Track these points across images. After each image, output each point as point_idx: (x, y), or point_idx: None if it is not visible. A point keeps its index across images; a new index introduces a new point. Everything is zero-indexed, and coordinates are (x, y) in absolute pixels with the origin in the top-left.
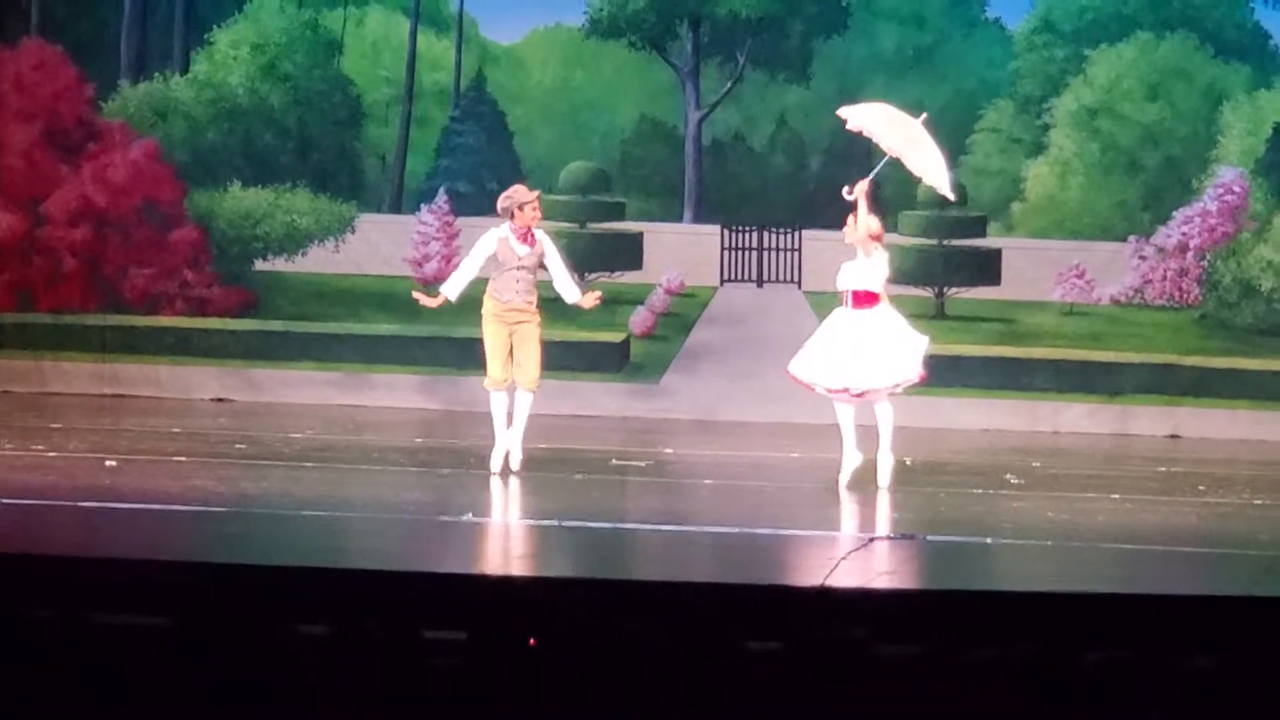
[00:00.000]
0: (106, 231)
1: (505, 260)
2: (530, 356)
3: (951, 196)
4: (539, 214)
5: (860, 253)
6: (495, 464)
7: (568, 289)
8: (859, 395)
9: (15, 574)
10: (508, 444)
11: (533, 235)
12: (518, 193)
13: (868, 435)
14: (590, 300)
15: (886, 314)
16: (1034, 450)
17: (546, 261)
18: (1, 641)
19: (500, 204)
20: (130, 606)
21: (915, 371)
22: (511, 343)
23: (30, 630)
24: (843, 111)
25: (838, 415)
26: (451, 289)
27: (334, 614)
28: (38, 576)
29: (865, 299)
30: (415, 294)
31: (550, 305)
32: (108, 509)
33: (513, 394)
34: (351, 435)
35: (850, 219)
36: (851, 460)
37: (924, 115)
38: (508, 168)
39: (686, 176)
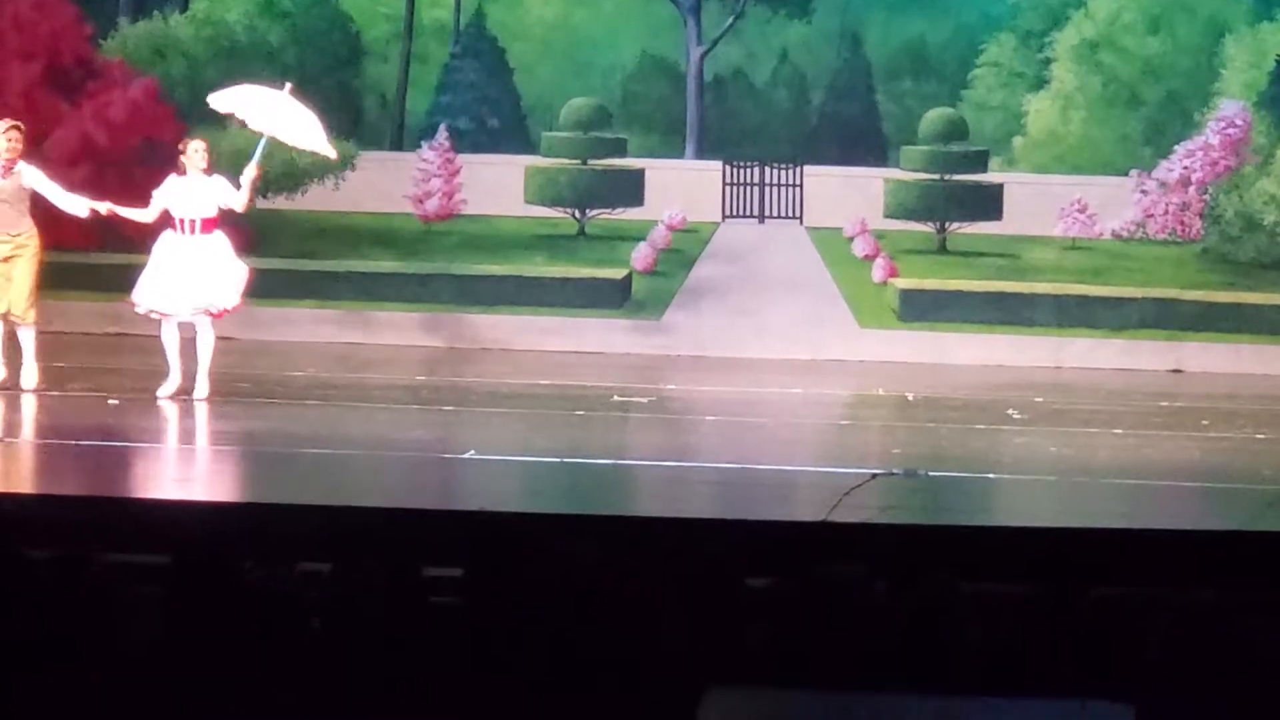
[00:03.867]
0: (106, 170)
1: None
2: (21, 287)
3: (332, 155)
4: (18, 147)
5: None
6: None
7: (66, 203)
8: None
9: (16, 514)
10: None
11: (13, 168)
12: None
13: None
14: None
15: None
16: (1036, 385)
17: (37, 189)
18: (2, 582)
19: None
20: (131, 546)
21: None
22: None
23: (31, 570)
24: (210, 98)
25: (163, 336)
26: None
27: (335, 552)
28: (39, 516)
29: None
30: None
31: (551, 243)
32: (110, 448)
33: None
34: (353, 373)
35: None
36: (174, 380)
37: (288, 85)
38: (508, 104)
39: (688, 113)
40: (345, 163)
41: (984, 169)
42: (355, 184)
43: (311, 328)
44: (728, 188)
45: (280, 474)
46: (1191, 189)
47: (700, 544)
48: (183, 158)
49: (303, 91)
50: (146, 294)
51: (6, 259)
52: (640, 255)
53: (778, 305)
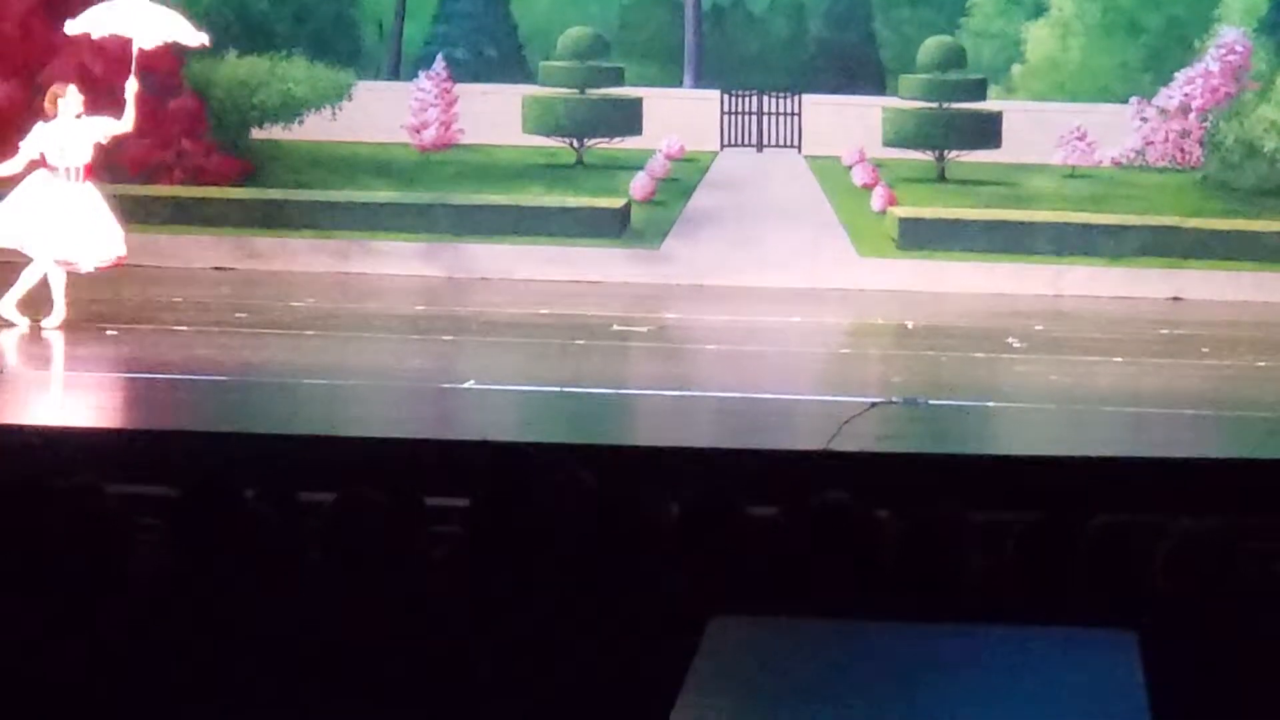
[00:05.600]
0: (103, 101)
1: None
2: None
3: (200, 42)
4: None
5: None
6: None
7: None
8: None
9: (19, 446)
10: None
11: None
12: None
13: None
14: None
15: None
16: (1036, 314)
17: None
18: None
19: None
20: (133, 476)
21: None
22: None
23: (33, 500)
24: (67, 26)
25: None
26: None
27: (336, 482)
28: (43, 447)
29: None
30: None
31: (549, 172)
32: (109, 379)
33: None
34: (352, 303)
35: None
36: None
37: None
38: (505, 34)
39: (686, 41)
40: (342, 92)
41: (983, 97)
42: (352, 114)
43: (309, 257)
44: (726, 116)
45: (280, 404)
46: (1191, 116)
47: (700, 473)
48: (59, 101)
49: (300, 21)
50: (18, 231)
51: None
52: (639, 184)
53: (777, 234)
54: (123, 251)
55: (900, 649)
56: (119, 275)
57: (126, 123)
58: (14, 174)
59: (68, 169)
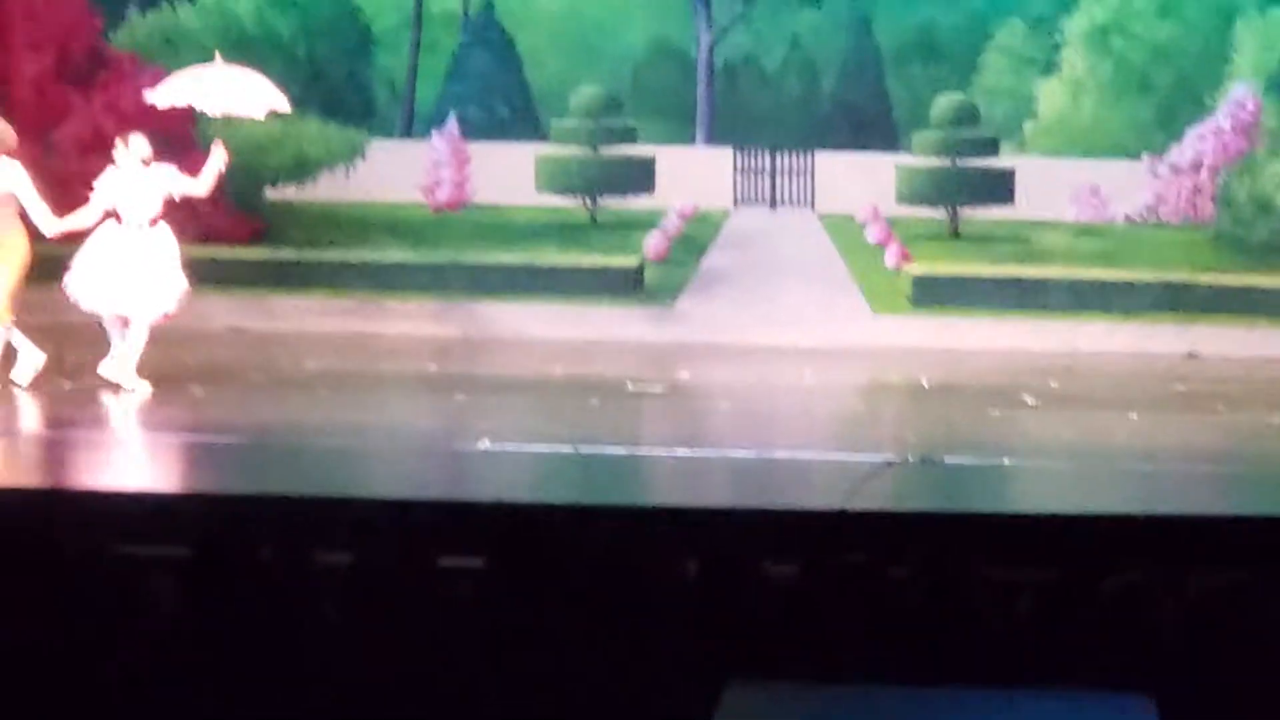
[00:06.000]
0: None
1: None
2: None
3: (284, 108)
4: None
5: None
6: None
7: (41, 220)
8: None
9: (36, 506)
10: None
11: None
12: None
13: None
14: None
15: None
16: (1051, 370)
17: (18, 194)
18: (26, 573)
19: None
20: (149, 537)
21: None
22: None
23: (52, 562)
24: (148, 96)
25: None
26: None
27: (350, 542)
28: (57, 508)
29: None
30: None
31: (562, 232)
32: (122, 439)
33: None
34: (366, 363)
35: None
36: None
37: (218, 56)
38: (517, 93)
39: (699, 100)
40: (355, 152)
41: (995, 154)
42: (366, 173)
43: (323, 318)
44: (739, 174)
45: (294, 465)
46: (1203, 172)
47: (716, 533)
48: (124, 151)
49: (313, 81)
50: (82, 285)
51: None
52: (652, 243)
53: (790, 292)
54: (170, 307)
55: (915, 714)
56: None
57: (202, 185)
58: (92, 223)
59: (131, 215)
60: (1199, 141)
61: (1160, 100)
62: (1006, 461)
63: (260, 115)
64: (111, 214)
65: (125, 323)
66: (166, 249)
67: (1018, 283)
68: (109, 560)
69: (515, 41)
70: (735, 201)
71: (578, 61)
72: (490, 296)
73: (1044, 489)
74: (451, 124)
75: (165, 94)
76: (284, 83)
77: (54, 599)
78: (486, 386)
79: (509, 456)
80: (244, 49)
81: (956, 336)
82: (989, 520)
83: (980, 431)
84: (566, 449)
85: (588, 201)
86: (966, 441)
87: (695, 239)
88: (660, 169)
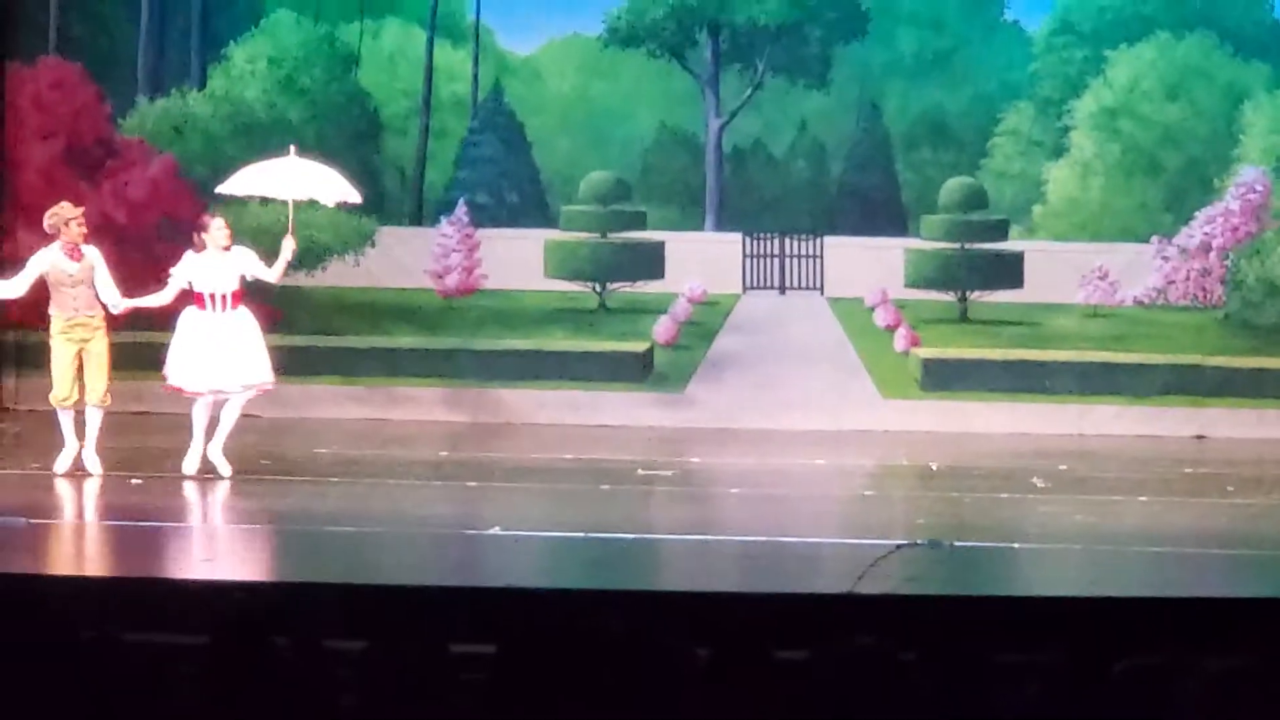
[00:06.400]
0: (127, 248)
1: (59, 279)
2: (96, 372)
3: (355, 200)
4: (84, 231)
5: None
6: (60, 466)
7: (107, 294)
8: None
9: (44, 594)
10: (75, 450)
11: (80, 250)
12: (63, 209)
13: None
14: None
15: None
16: (1060, 453)
17: (96, 275)
18: (38, 662)
19: (46, 221)
20: (160, 625)
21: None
22: (81, 360)
23: (64, 650)
24: (220, 189)
25: (194, 411)
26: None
27: (363, 629)
28: (67, 596)
29: (236, 299)
30: None
31: (572, 317)
32: (135, 528)
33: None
34: (376, 449)
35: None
36: (197, 452)
37: (293, 148)
38: (527, 178)
39: (707, 184)
40: (365, 238)
41: (1004, 237)
42: (375, 260)
43: (334, 404)
44: (748, 259)
45: (306, 552)
46: (1212, 255)
47: (727, 617)
48: (204, 235)
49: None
50: (179, 372)
51: (83, 342)
52: (662, 328)
53: (800, 376)
54: (269, 380)
55: None
56: (144, 423)
57: (274, 274)
58: (165, 304)
59: (213, 296)
60: (1208, 224)
61: (1169, 183)
62: (1016, 545)
63: (331, 203)
64: (189, 296)
65: (212, 411)
66: (252, 328)
67: (1027, 366)
68: (124, 647)
69: (524, 127)
70: (744, 286)
71: (587, 147)
72: (500, 382)
73: (1054, 572)
74: (461, 210)
75: (235, 184)
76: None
77: (70, 686)
78: (497, 472)
79: (520, 542)
80: (253, 135)
81: (965, 420)
82: (999, 603)
83: (989, 515)
84: (577, 534)
85: (597, 287)
86: (976, 525)
87: (704, 324)
88: (669, 253)
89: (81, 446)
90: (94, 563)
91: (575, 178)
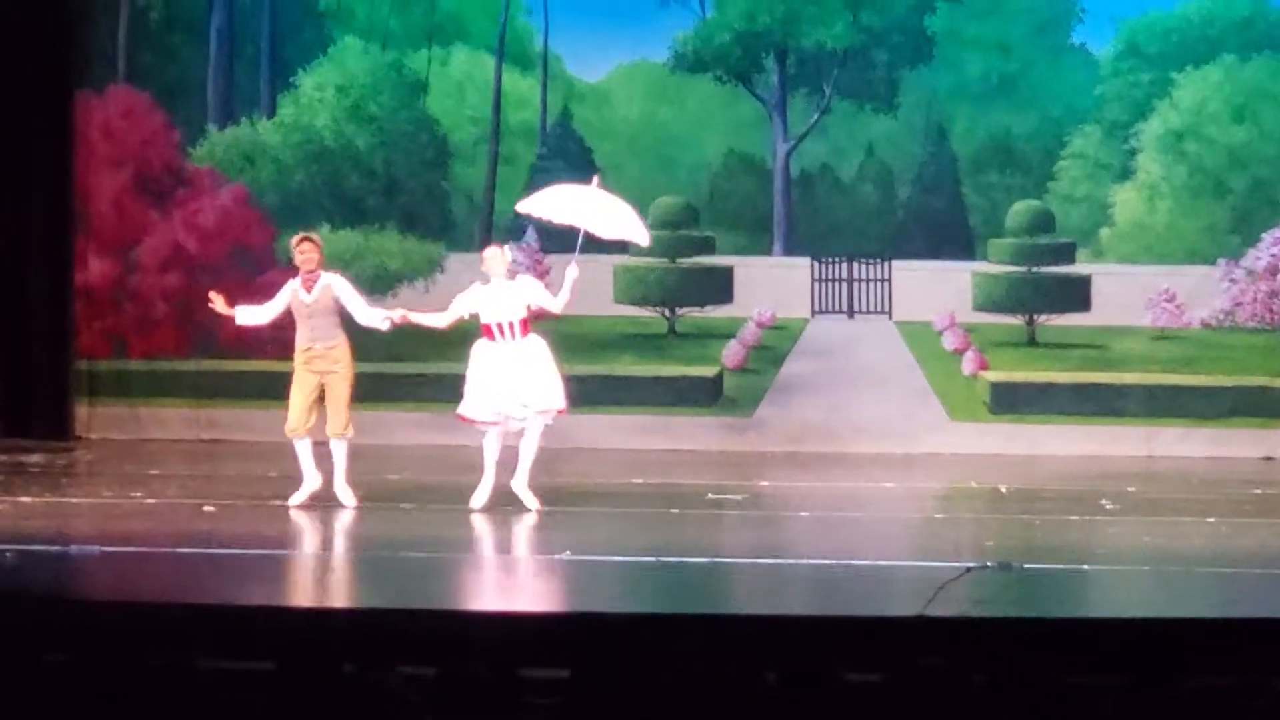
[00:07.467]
0: (198, 277)
1: (297, 309)
2: (335, 404)
3: (645, 243)
4: (312, 258)
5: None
6: (296, 499)
7: (366, 318)
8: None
9: (118, 621)
10: (314, 485)
11: (314, 281)
12: (292, 241)
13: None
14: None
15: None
16: (1128, 475)
17: (342, 301)
18: (108, 688)
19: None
20: (232, 652)
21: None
22: (322, 391)
23: (134, 677)
24: (518, 206)
25: (485, 443)
26: (243, 316)
27: (434, 655)
28: (139, 623)
29: (525, 326)
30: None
31: (641, 342)
32: (207, 555)
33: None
34: (448, 475)
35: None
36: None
37: (596, 178)
38: None
39: (775, 209)
40: (434, 265)
41: (1071, 260)
42: (444, 286)
43: (406, 430)
44: (816, 284)
45: (378, 577)
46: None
47: (798, 641)
48: (482, 266)
49: (391, 194)
50: (469, 403)
51: (322, 374)
52: (731, 352)
53: (869, 400)
54: (560, 404)
55: None
56: (217, 451)
57: (559, 303)
58: (442, 326)
59: (500, 326)
60: (1275, 245)
61: (1235, 205)
62: (1085, 566)
63: (619, 238)
64: (480, 326)
65: (499, 440)
66: (544, 354)
67: (1095, 388)
68: (193, 674)
69: (593, 152)
70: (813, 310)
71: (655, 172)
72: (570, 407)
73: (1122, 594)
74: (530, 235)
75: (536, 206)
76: (362, 195)
77: (137, 713)
78: (567, 497)
79: (591, 567)
80: (323, 162)
81: (1034, 442)
82: (1068, 625)
83: (1058, 537)
84: (648, 559)
85: (666, 312)
86: (1045, 547)
87: (773, 348)
88: (738, 278)
89: (322, 481)
90: (161, 589)
91: (643, 203)
